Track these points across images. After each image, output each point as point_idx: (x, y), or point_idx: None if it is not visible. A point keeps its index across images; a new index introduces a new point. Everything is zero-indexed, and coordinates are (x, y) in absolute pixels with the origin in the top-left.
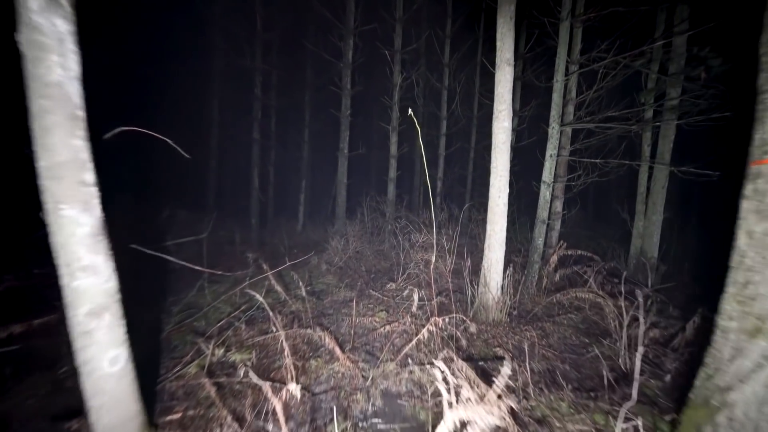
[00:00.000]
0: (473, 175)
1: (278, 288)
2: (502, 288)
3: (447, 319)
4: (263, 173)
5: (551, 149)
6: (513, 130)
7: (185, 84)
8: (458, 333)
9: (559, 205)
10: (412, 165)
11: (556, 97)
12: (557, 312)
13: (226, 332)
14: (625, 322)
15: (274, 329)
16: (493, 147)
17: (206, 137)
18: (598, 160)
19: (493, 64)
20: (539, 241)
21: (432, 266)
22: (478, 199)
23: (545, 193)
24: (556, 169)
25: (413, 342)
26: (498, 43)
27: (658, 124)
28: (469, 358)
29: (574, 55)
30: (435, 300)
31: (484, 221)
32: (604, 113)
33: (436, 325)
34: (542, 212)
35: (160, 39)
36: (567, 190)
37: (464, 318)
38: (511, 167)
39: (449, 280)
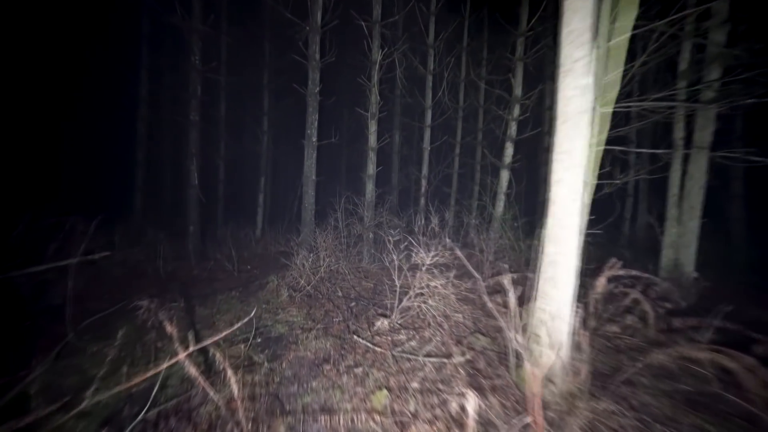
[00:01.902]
0: (459, 174)
1: (192, 370)
2: (576, 344)
3: None
4: (208, 167)
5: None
6: (514, 120)
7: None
8: None
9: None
10: (389, 160)
11: (597, 69)
12: (623, 363)
13: None
14: None
15: None
16: (559, 121)
17: (131, 121)
18: (660, 151)
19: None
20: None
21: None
22: (468, 200)
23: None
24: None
25: None
26: None
27: (743, 102)
28: None
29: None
30: (458, 358)
31: (478, 228)
32: (652, 93)
33: None
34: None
35: None
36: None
37: None
38: (511, 163)
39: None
